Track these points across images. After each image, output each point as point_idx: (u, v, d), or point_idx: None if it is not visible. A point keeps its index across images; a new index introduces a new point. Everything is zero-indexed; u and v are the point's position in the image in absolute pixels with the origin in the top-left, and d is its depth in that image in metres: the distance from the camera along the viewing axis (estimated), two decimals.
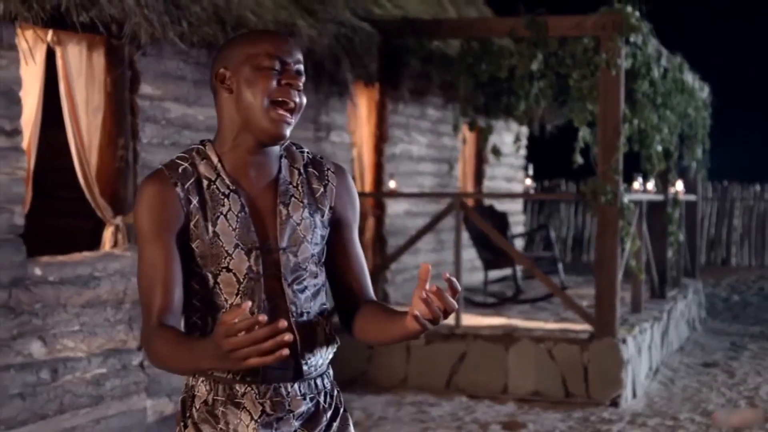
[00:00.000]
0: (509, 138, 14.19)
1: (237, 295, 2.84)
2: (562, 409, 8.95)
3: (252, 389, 2.87)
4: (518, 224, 15.41)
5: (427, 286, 2.57)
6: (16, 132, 6.25)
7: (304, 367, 2.90)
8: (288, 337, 2.41)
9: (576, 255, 20.36)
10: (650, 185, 11.76)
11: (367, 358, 9.64)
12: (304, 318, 2.91)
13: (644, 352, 10.13)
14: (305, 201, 2.93)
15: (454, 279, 2.57)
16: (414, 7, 12.07)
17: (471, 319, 10.10)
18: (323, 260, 2.99)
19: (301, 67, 2.89)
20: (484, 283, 12.10)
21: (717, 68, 20.27)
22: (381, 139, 11.11)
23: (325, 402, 2.99)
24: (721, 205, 21.16)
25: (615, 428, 8.37)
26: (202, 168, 2.87)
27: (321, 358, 2.96)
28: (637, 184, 11.51)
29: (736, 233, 21.15)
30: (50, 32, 6.61)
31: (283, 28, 8.13)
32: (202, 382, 2.88)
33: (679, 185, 12.58)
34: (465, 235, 11.49)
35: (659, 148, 10.56)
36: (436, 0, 13.47)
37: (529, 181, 10.76)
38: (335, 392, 3.05)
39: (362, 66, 9.46)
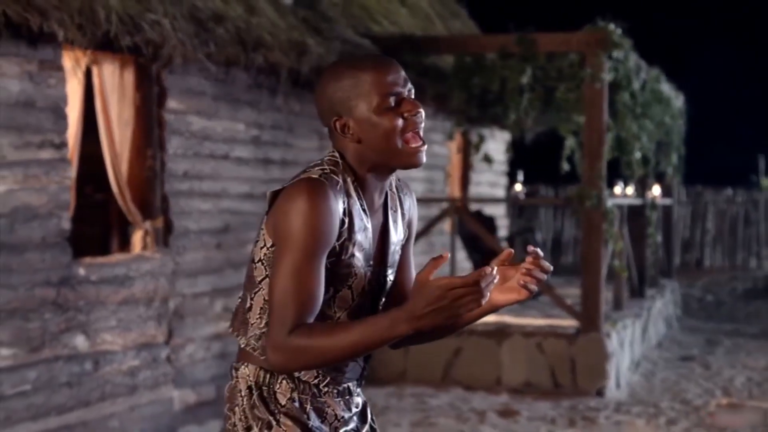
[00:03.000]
0: (494, 145, 14.86)
1: (346, 310, 2.88)
2: (552, 399, 9.62)
3: (331, 389, 2.94)
4: (501, 228, 16.11)
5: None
6: (63, 144, 6.87)
7: (365, 372, 3.06)
8: (496, 271, 2.58)
9: (555, 257, 20.91)
10: (630, 190, 12.46)
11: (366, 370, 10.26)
12: None
13: (626, 347, 10.82)
14: (399, 224, 3.01)
15: (538, 249, 2.79)
16: (406, 21, 12.75)
17: None
18: None
19: (410, 85, 2.85)
20: None
21: (690, 77, 20.94)
22: None
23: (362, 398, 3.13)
24: (695, 209, 21.66)
25: (601, 415, 9.04)
26: (348, 186, 2.84)
27: (367, 367, 3.09)
28: (618, 189, 12.18)
29: (709, 235, 21.62)
30: (88, 53, 7.25)
31: (294, 46, 8.78)
32: (284, 379, 2.89)
33: (657, 190, 13.29)
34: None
35: (638, 155, 11.22)
36: (425, 15, 14.16)
37: (519, 187, 11.40)
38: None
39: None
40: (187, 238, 8.23)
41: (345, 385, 2.98)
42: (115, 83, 7.62)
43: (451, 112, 11.57)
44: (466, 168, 15.07)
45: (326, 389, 2.92)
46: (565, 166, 10.64)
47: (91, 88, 7.51)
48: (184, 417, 8.19)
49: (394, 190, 3.02)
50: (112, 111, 7.61)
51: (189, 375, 8.25)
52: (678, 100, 14.21)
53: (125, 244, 8.40)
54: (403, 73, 2.83)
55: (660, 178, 14.30)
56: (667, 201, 14.74)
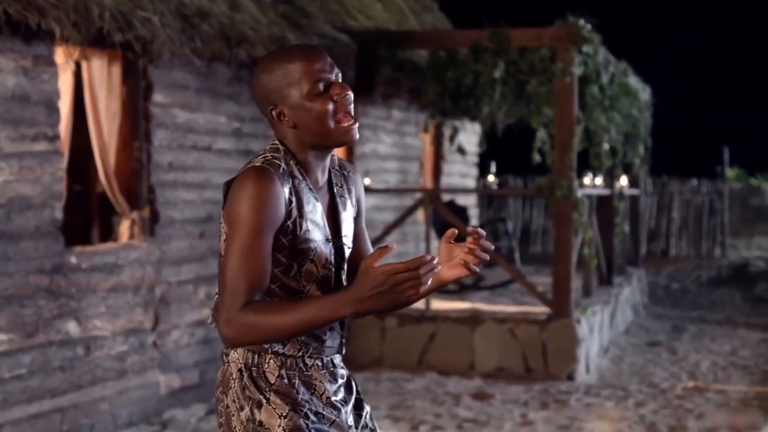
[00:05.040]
0: (465, 137, 15.15)
1: (314, 282, 3.06)
2: (524, 383, 9.92)
3: (317, 362, 3.11)
4: (473, 218, 16.42)
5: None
6: (56, 137, 7.13)
7: (343, 341, 3.22)
8: (437, 260, 2.77)
9: (524, 247, 21.17)
10: (598, 181, 12.78)
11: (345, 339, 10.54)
12: None
13: (596, 332, 11.15)
14: (347, 199, 3.22)
15: (479, 229, 3.04)
16: (380, 16, 13.03)
17: (439, 304, 11.07)
18: None
19: (337, 69, 3.07)
20: None
21: (656, 71, 21.27)
22: None
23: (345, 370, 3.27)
24: (661, 199, 21.95)
25: (572, 398, 9.35)
26: (291, 169, 3.04)
27: (344, 335, 3.25)
28: (587, 180, 12.48)
29: (675, 225, 21.92)
30: (78, 49, 7.49)
31: (276, 41, 9.05)
32: (271, 358, 3.05)
33: (624, 180, 13.63)
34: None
35: (607, 146, 11.51)
36: (398, 9, 14.43)
37: (492, 178, 11.69)
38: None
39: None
40: (172, 228, 8.48)
41: (328, 358, 3.13)
42: (103, 78, 7.87)
43: (425, 105, 11.85)
44: (438, 159, 15.36)
45: (311, 362, 3.08)
46: (536, 158, 10.94)
47: (81, 83, 7.76)
48: (169, 401, 8.45)
49: (337, 168, 3.23)
50: (100, 104, 7.86)
51: (174, 360, 8.51)
52: (645, 93, 14.51)
53: (107, 234, 8.65)
54: (329, 60, 3.03)
55: (627, 169, 14.62)
56: (634, 191, 15.05)
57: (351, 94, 3.03)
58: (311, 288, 3.05)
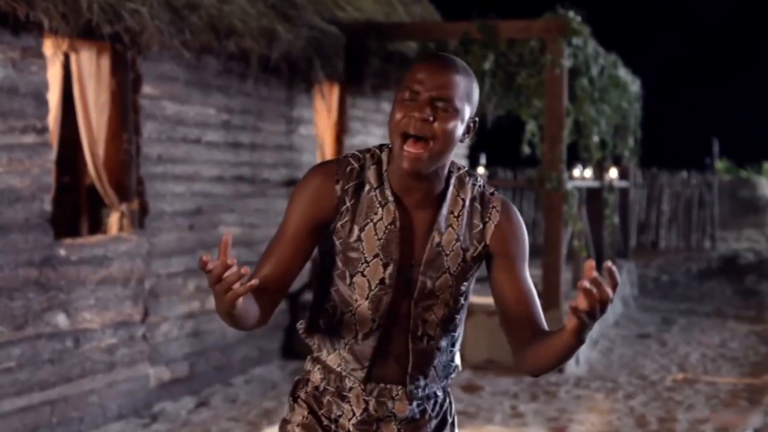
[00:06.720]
0: None
1: (366, 299, 2.86)
2: (514, 375, 9.93)
3: (358, 385, 2.94)
4: None
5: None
6: (45, 129, 7.10)
7: (410, 387, 2.95)
8: (244, 269, 2.43)
9: None
10: (588, 173, 12.79)
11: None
12: (424, 342, 2.92)
13: None
14: (460, 234, 2.89)
15: (614, 269, 2.43)
16: (369, 7, 12.99)
17: None
18: (469, 296, 2.98)
19: (444, 92, 2.74)
20: None
21: (646, 63, 21.28)
22: (342, 131, 12.00)
23: (432, 410, 3.02)
24: (650, 191, 21.97)
25: (562, 390, 9.37)
26: (370, 173, 2.84)
27: (431, 385, 2.99)
28: (576, 172, 12.49)
29: (665, 217, 21.95)
30: (66, 40, 7.46)
31: (265, 33, 9.04)
32: (318, 369, 3.00)
33: (614, 172, 13.64)
34: None
35: (597, 138, 11.54)
36: (387, 0, 14.40)
37: (481, 170, 11.69)
38: (447, 402, 3.07)
39: (331, 65, 10.38)
40: (161, 220, 8.47)
41: (381, 385, 2.95)
42: (92, 70, 7.84)
43: None
44: None
45: (350, 384, 2.95)
46: (526, 150, 10.94)
47: (69, 75, 7.73)
48: (159, 393, 8.44)
49: (467, 200, 2.91)
50: (89, 96, 7.84)
51: (164, 352, 8.50)
52: (635, 85, 14.52)
53: (96, 227, 8.63)
54: (439, 77, 2.74)
55: (617, 161, 14.63)
56: (624, 183, 15.06)
57: (444, 120, 2.72)
58: (363, 304, 2.87)
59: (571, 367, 10.18)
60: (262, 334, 9.89)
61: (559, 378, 9.83)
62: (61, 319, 7.29)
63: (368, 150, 2.91)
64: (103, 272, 7.72)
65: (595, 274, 2.42)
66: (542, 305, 10.11)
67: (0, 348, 6.75)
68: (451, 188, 2.87)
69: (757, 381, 9.89)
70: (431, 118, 2.71)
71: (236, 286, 2.44)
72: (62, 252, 7.30)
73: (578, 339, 2.55)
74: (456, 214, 2.88)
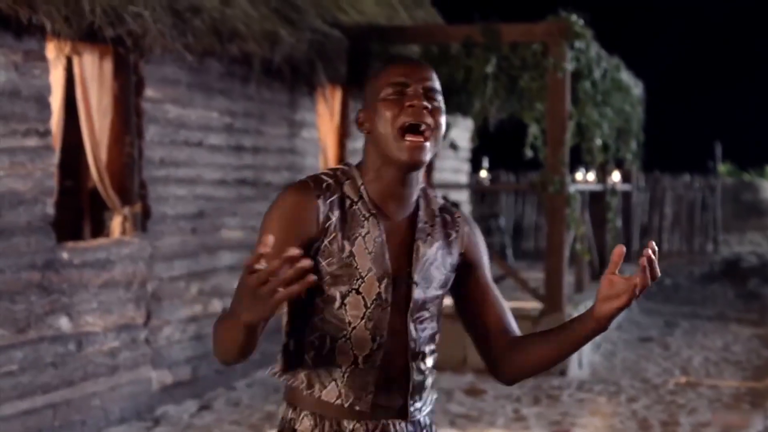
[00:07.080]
0: (457, 132, 15.15)
1: (362, 319, 2.72)
2: None
3: (361, 425, 2.77)
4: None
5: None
6: (48, 132, 7.10)
7: (410, 409, 2.83)
8: (307, 263, 2.25)
9: (516, 243, 21.16)
10: (591, 176, 12.78)
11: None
12: (419, 359, 2.82)
13: None
14: (440, 242, 2.85)
15: (654, 250, 2.52)
16: (371, 10, 13.00)
17: None
18: (441, 308, 2.85)
19: (431, 84, 2.74)
20: None
21: (649, 66, 21.28)
22: (344, 134, 12.00)
23: None
24: (653, 195, 21.95)
25: (564, 394, 9.37)
26: (347, 187, 2.76)
27: (425, 405, 2.91)
28: (579, 175, 12.48)
29: (667, 221, 21.94)
30: (69, 44, 7.47)
31: (267, 36, 9.04)
32: (306, 416, 2.78)
33: (616, 176, 13.63)
34: None
35: (599, 142, 11.53)
36: (389, 3, 14.41)
37: (484, 173, 11.69)
38: (433, 428, 3.00)
39: (333, 69, 10.38)
40: (164, 223, 8.47)
41: (380, 423, 2.79)
42: (94, 73, 7.85)
43: None
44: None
45: (351, 426, 2.76)
46: (529, 153, 10.93)
47: (72, 78, 7.73)
48: (161, 397, 8.44)
49: (437, 209, 2.88)
50: (92, 100, 7.84)
51: (166, 356, 8.50)
52: (637, 89, 14.51)
53: (99, 230, 8.63)
54: (424, 72, 2.74)
55: (620, 165, 14.60)
56: (627, 187, 15.06)
57: (438, 112, 2.71)
58: (359, 325, 2.71)
59: (573, 370, 10.18)
60: (265, 337, 9.85)
61: (562, 381, 9.82)
62: (64, 323, 7.29)
63: (335, 168, 2.82)
64: (105, 275, 7.72)
65: (650, 252, 2.48)
66: (545, 308, 10.19)
67: (2, 351, 6.75)
68: (420, 200, 2.84)
69: (759, 384, 9.88)
70: (430, 107, 2.70)
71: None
72: (65, 255, 7.30)
73: (607, 325, 2.61)
74: (431, 224, 2.85)
